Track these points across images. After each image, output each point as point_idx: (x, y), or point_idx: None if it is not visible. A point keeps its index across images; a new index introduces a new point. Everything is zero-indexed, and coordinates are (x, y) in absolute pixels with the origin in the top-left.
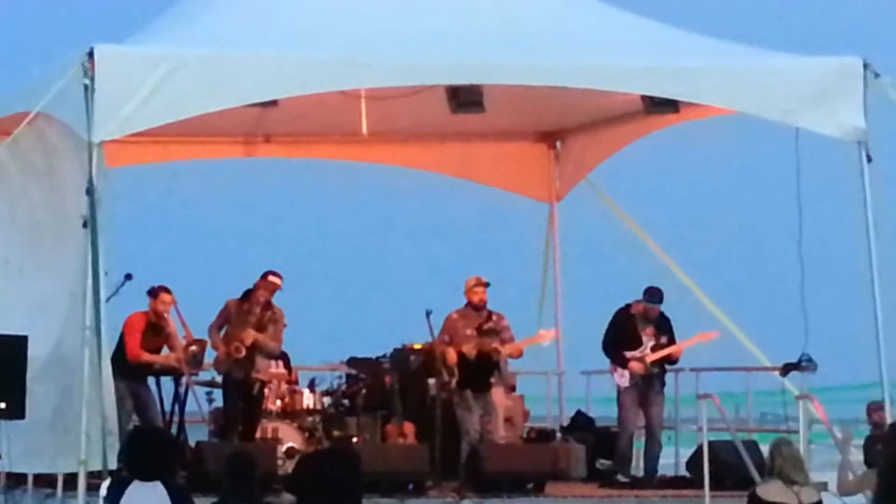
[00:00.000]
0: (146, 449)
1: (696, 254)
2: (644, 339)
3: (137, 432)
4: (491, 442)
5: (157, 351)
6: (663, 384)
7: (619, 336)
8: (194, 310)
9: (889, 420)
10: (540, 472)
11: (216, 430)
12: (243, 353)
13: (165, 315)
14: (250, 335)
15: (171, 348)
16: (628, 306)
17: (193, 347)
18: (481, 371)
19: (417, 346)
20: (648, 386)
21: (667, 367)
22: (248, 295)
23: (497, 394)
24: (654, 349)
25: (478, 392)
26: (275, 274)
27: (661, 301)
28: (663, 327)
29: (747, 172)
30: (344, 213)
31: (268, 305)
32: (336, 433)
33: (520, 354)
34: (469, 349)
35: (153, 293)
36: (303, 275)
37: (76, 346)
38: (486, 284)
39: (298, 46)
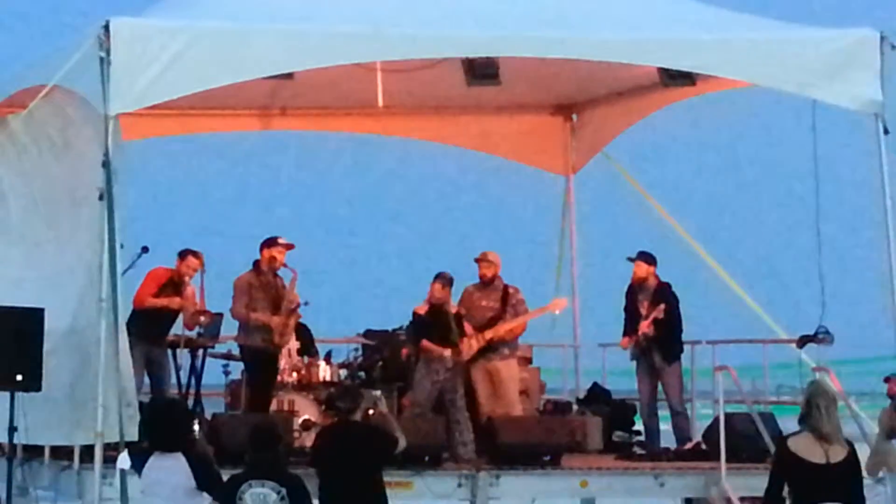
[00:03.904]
0: (166, 421)
1: (712, 226)
2: (641, 311)
3: (156, 405)
4: (507, 414)
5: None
6: (672, 354)
7: (626, 311)
8: (209, 281)
9: None
10: (556, 445)
11: (233, 402)
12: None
13: (187, 279)
14: (297, 296)
15: (181, 310)
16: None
17: (202, 318)
18: (428, 327)
19: None
20: (650, 358)
21: (682, 339)
22: (257, 266)
23: (511, 366)
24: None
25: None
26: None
27: (642, 260)
28: (657, 298)
29: (763, 144)
30: (360, 185)
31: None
32: (340, 405)
33: (522, 330)
34: (420, 306)
35: (182, 255)
36: (319, 247)
37: (92, 319)
38: (489, 261)
39: (314, 19)
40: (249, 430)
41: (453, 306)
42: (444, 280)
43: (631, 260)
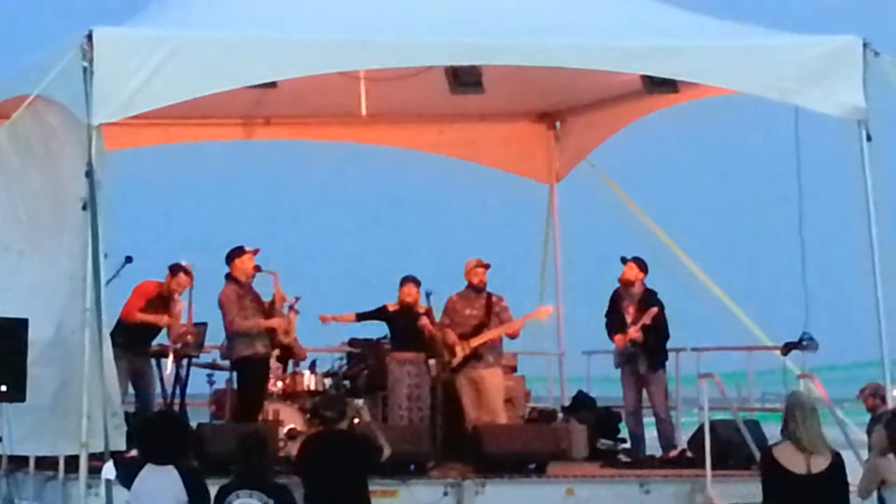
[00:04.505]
0: (160, 433)
1: (695, 233)
2: (626, 317)
3: (152, 417)
4: (492, 422)
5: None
6: (658, 362)
7: (608, 316)
8: (194, 291)
9: (891, 399)
10: (541, 453)
11: (218, 412)
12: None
13: (176, 296)
14: (285, 295)
15: (168, 327)
16: (617, 287)
17: (190, 337)
18: (405, 327)
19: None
20: (637, 365)
21: (667, 347)
22: (233, 277)
23: (496, 374)
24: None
25: (408, 351)
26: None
27: (634, 263)
28: (645, 304)
29: (747, 151)
30: (343, 194)
31: None
32: (327, 413)
33: (516, 334)
34: (391, 304)
35: (173, 270)
36: (303, 256)
37: (77, 329)
38: (486, 266)
39: (297, 28)
40: (238, 440)
41: (422, 307)
42: (417, 283)
43: (624, 261)
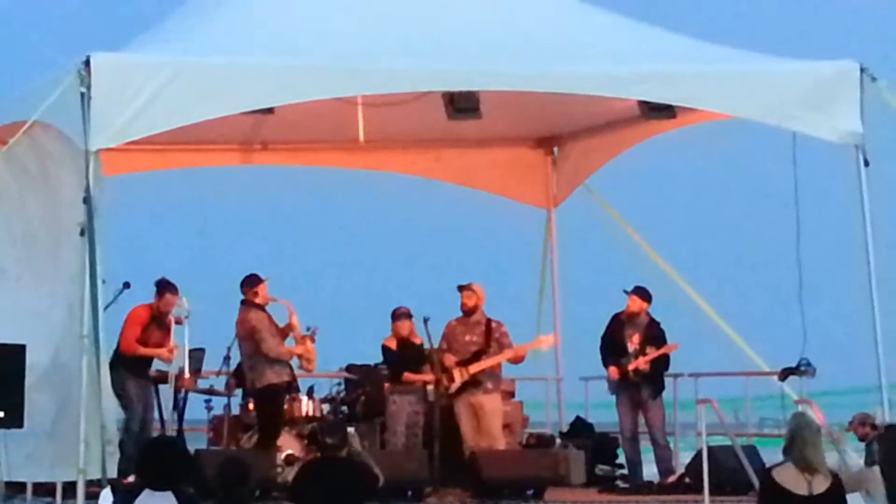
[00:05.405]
0: (162, 458)
1: (693, 259)
2: (629, 346)
3: (152, 442)
4: (490, 448)
5: (159, 346)
6: (658, 389)
7: (607, 343)
8: (192, 317)
9: (887, 423)
10: (539, 478)
11: (216, 438)
12: None
13: (169, 317)
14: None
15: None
16: (618, 313)
17: (186, 382)
18: (403, 360)
19: None
20: (638, 392)
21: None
22: (254, 304)
23: (495, 400)
24: (636, 357)
25: (405, 384)
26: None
27: (637, 295)
28: (651, 334)
29: (744, 177)
30: (341, 220)
31: None
32: (329, 440)
33: (521, 359)
34: (388, 339)
35: (159, 292)
36: (301, 282)
37: (74, 355)
38: (469, 290)
39: (295, 54)
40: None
41: (418, 337)
42: (408, 316)
43: (626, 293)
